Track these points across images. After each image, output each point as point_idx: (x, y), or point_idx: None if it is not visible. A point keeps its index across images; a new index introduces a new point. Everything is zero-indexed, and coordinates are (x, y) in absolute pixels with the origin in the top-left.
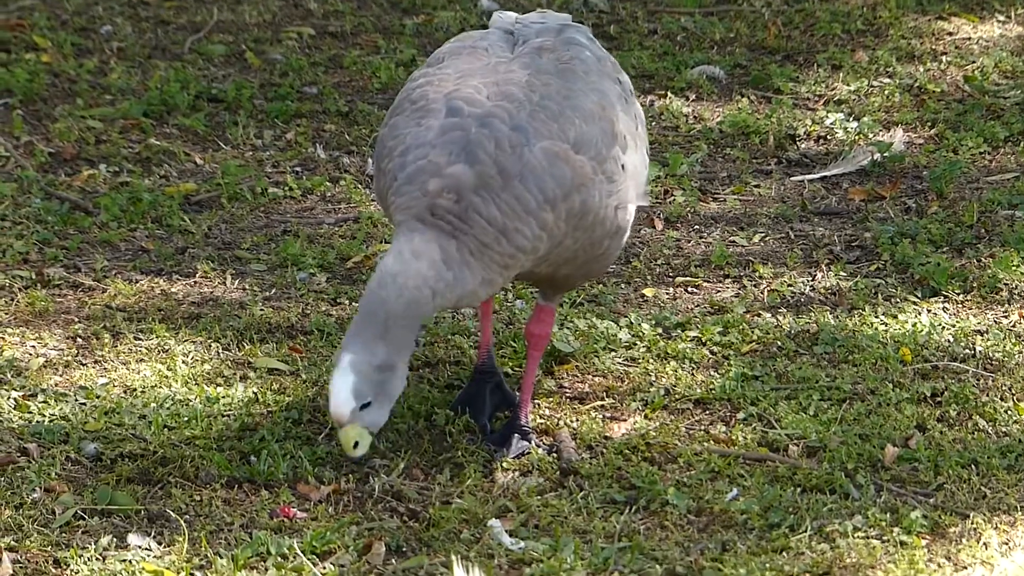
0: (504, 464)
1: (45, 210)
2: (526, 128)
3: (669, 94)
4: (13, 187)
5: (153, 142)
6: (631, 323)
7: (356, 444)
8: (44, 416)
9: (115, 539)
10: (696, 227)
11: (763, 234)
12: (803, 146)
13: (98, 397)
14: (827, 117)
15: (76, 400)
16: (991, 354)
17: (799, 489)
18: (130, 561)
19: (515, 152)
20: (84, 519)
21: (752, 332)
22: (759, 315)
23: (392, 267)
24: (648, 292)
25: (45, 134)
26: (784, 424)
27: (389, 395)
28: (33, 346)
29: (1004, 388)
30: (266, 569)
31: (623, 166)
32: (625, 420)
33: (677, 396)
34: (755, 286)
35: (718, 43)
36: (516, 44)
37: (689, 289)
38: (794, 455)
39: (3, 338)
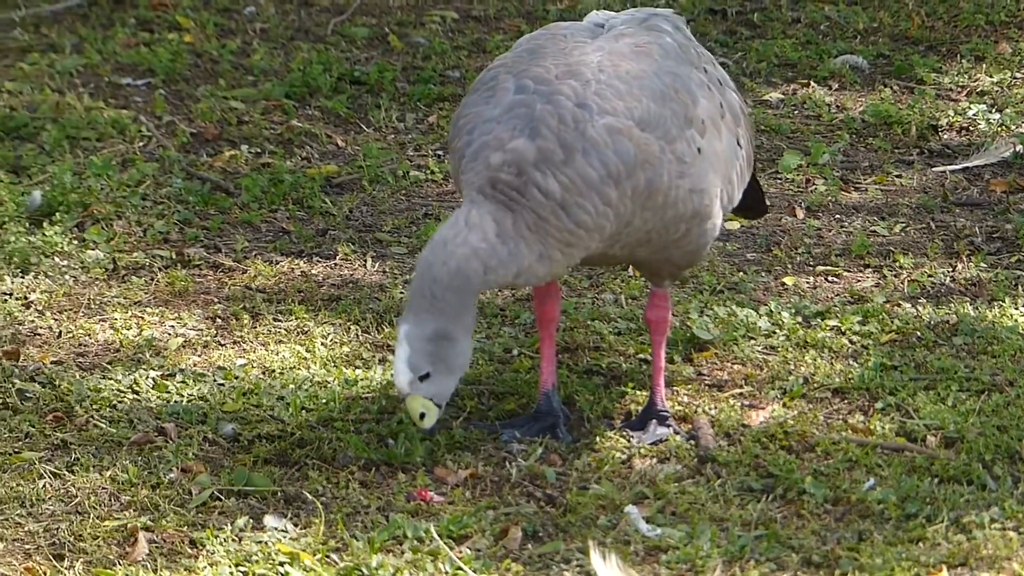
0: (641, 450)
1: (186, 190)
2: (590, 105)
3: (812, 83)
4: (155, 167)
5: (295, 123)
6: (771, 311)
7: (422, 415)
8: (182, 396)
9: (251, 520)
10: (837, 216)
11: (904, 224)
12: (945, 137)
13: (236, 378)
14: (969, 108)
15: (214, 380)
16: None
17: (936, 480)
18: (266, 543)
19: (578, 128)
20: (220, 500)
21: (892, 322)
22: (899, 305)
23: (444, 235)
24: (788, 280)
25: (187, 114)
26: (922, 414)
27: (450, 367)
28: (172, 326)
29: None
30: (402, 552)
31: (699, 149)
32: (763, 408)
33: (815, 385)
34: (895, 276)
35: (861, 33)
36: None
37: (829, 278)
38: (932, 446)
39: (143, 318)
